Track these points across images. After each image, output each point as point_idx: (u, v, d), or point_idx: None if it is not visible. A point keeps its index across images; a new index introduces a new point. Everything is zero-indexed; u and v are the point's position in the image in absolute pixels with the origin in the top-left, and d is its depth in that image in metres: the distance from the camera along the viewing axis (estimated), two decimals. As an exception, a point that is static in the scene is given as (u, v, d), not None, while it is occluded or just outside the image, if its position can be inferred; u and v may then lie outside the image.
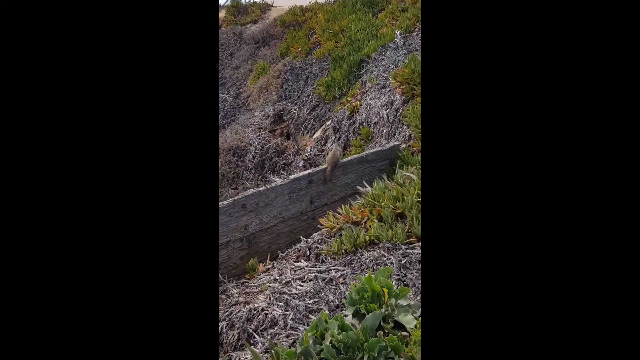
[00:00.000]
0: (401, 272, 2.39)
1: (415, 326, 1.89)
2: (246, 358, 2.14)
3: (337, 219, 3.14)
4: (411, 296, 2.18)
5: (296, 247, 3.11)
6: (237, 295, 2.67)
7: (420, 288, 2.23)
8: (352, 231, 2.85)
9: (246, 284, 2.87)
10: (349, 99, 6.48)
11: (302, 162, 6.38)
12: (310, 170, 4.01)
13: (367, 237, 2.75)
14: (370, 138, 5.35)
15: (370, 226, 2.86)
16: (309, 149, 6.67)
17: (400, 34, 6.72)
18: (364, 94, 6.04)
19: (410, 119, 4.60)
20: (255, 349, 2.09)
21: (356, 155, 4.25)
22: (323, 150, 6.42)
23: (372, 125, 5.43)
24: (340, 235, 2.92)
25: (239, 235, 3.62)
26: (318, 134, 6.98)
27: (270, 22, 11.04)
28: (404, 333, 1.88)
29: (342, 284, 2.47)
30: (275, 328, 2.24)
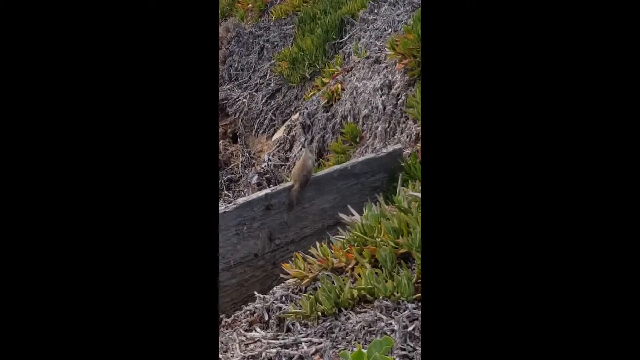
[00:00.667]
0: (408, 345, 2.41)
1: None
2: None
3: (310, 264, 3.14)
4: (423, 381, 2.20)
5: (248, 308, 3.10)
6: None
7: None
8: (333, 283, 2.85)
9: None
10: (325, 80, 6.53)
11: (256, 177, 6.40)
12: (267, 190, 4.03)
13: (355, 292, 2.76)
14: (358, 139, 5.42)
15: (359, 275, 2.87)
16: (266, 156, 6.75)
17: (401, -17, 6.83)
18: (348, 72, 6.10)
19: (417, 109, 4.65)
20: None
21: (337, 167, 4.29)
22: (288, 159, 6.48)
23: (360, 120, 5.50)
24: (315, 289, 2.92)
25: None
26: (280, 134, 7.01)
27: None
28: None
29: (318, 364, 2.47)
30: None
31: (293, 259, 3.24)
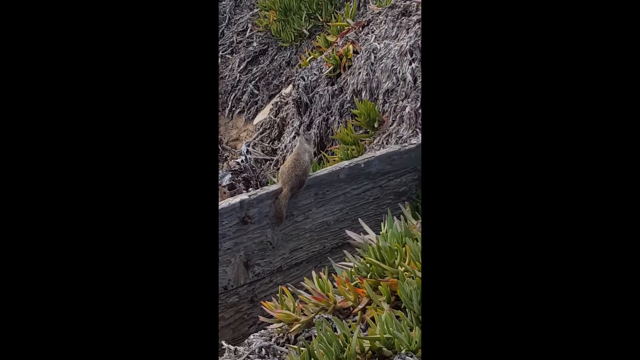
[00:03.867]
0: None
1: None
2: None
3: (304, 303, 3.16)
4: None
5: (213, 365, 3.09)
6: None
7: None
8: (335, 330, 2.86)
9: None
10: (330, 39, 6.56)
11: (229, 176, 6.34)
12: (244, 196, 4.02)
13: (366, 344, 2.76)
14: (377, 125, 5.43)
15: (373, 319, 2.87)
16: (243, 147, 6.74)
17: None
18: (364, 28, 6.13)
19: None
20: None
21: (345, 163, 4.29)
22: (275, 152, 6.50)
23: (381, 98, 5.52)
24: (309, 339, 2.93)
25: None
26: (264, 115, 7.01)
27: None
28: None
29: None
30: None
31: (279, 294, 3.24)
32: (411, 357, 2.66)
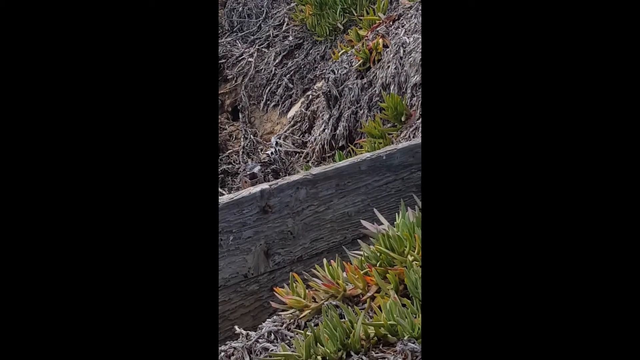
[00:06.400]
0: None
1: None
2: None
3: (315, 290, 3.19)
4: None
5: (224, 348, 3.11)
6: None
7: None
8: (342, 316, 2.89)
9: None
10: (361, 33, 6.59)
11: (258, 167, 6.34)
12: (264, 186, 4.01)
13: (370, 330, 2.79)
14: (404, 119, 5.45)
15: (380, 307, 2.91)
16: (273, 140, 6.81)
17: None
18: (394, 22, 6.15)
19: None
20: None
21: (367, 155, 4.29)
22: (305, 144, 6.54)
23: (409, 91, 5.53)
24: (317, 325, 2.95)
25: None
26: (296, 108, 7.11)
27: None
28: None
29: None
30: None
31: (290, 281, 3.26)
32: (413, 343, 2.68)
